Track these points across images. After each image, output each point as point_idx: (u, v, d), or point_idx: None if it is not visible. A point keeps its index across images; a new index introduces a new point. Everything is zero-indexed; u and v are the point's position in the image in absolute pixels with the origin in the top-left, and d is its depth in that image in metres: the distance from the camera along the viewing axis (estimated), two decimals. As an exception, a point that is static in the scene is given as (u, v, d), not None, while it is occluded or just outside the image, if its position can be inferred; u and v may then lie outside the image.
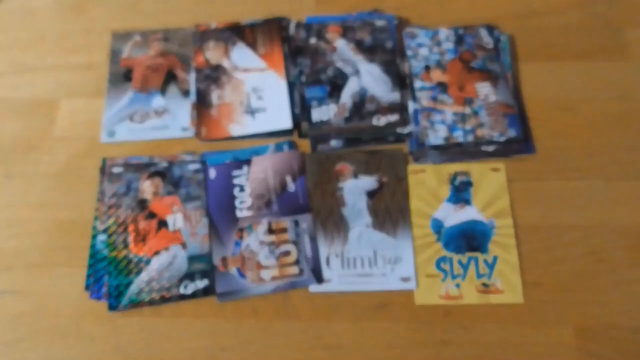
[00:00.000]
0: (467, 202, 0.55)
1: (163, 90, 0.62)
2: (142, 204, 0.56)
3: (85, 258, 0.54)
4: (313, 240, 0.54)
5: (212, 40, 0.64)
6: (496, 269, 0.52)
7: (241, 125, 0.59)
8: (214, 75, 0.62)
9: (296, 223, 0.54)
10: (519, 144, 0.57)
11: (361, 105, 0.59)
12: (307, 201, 0.55)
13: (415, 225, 0.54)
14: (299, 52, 0.62)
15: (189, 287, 0.52)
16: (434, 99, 0.59)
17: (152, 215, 0.55)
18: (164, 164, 0.57)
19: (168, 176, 0.57)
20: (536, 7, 0.65)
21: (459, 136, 0.57)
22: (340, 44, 0.62)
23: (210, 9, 0.67)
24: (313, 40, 0.63)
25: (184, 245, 0.54)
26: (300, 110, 0.59)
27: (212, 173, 0.57)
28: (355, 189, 0.56)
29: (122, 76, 0.63)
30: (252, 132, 0.59)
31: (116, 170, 0.57)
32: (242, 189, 0.56)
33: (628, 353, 0.48)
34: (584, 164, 0.56)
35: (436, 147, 0.57)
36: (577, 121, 0.58)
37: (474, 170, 0.56)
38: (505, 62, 0.61)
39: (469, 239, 0.53)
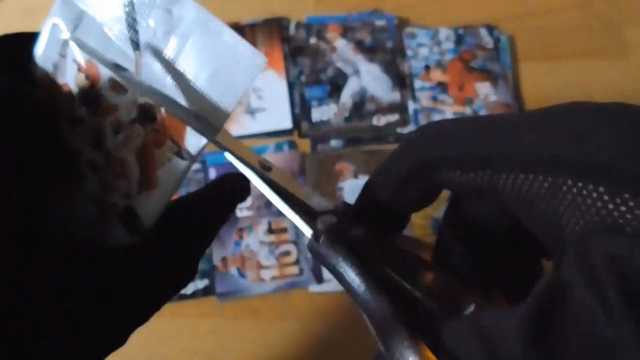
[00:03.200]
0: (467, 202, 0.55)
1: (163, 90, 0.62)
2: (142, 204, 0.56)
3: (85, 258, 0.54)
4: (313, 240, 0.54)
5: (212, 40, 0.64)
6: (496, 269, 0.52)
7: (241, 125, 0.59)
8: (214, 75, 0.62)
9: (296, 223, 0.54)
10: (519, 144, 0.57)
11: (361, 105, 0.59)
12: (307, 201, 0.55)
13: (415, 225, 0.54)
14: (299, 52, 0.62)
15: (189, 287, 0.52)
16: (434, 99, 0.59)
17: (152, 215, 0.55)
18: (164, 164, 0.57)
19: (168, 176, 0.57)
20: (536, 7, 0.65)
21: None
22: (340, 44, 0.62)
23: (210, 9, 0.67)
24: (313, 40, 0.63)
25: (184, 245, 0.54)
26: (300, 110, 0.59)
27: (212, 173, 0.57)
28: (355, 189, 0.56)
29: (122, 76, 0.63)
30: (252, 132, 0.59)
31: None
32: (242, 189, 0.56)
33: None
34: (584, 164, 0.56)
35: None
36: (577, 121, 0.58)
37: (474, 170, 0.56)
38: (505, 62, 0.61)
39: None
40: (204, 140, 0.21)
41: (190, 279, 0.24)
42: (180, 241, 0.23)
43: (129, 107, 0.21)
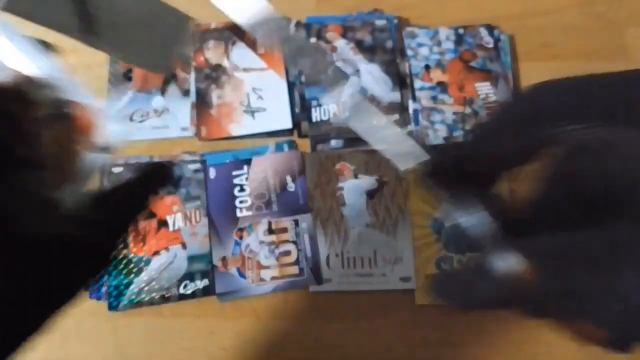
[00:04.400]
0: (467, 202, 0.55)
1: (163, 90, 0.62)
2: (142, 203, 0.56)
3: (85, 258, 0.54)
4: (313, 240, 0.54)
5: (212, 40, 0.64)
6: (496, 268, 0.52)
7: (241, 125, 0.59)
8: (214, 75, 0.62)
9: (296, 223, 0.54)
10: (519, 144, 0.57)
11: (361, 105, 0.59)
12: (307, 201, 0.55)
13: (415, 225, 0.54)
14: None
15: (189, 287, 0.52)
16: (434, 98, 0.59)
17: (152, 215, 0.55)
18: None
19: (168, 176, 0.57)
20: (536, 7, 0.65)
21: (459, 136, 0.57)
22: (340, 44, 0.62)
23: (210, 9, 0.67)
24: (313, 40, 0.63)
25: (183, 245, 0.54)
26: (300, 110, 0.59)
27: (212, 173, 0.57)
28: (355, 189, 0.56)
29: (122, 76, 0.63)
30: (252, 132, 0.59)
31: (116, 170, 0.57)
32: (242, 189, 0.56)
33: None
34: (584, 164, 0.56)
35: (436, 147, 0.57)
36: (577, 121, 0.58)
37: (474, 170, 0.56)
38: (505, 62, 0.61)
39: (470, 239, 0.53)
40: (112, 139, 0.25)
41: (107, 259, 0.26)
42: (100, 223, 0.25)
43: (50, 104, 0.24)
